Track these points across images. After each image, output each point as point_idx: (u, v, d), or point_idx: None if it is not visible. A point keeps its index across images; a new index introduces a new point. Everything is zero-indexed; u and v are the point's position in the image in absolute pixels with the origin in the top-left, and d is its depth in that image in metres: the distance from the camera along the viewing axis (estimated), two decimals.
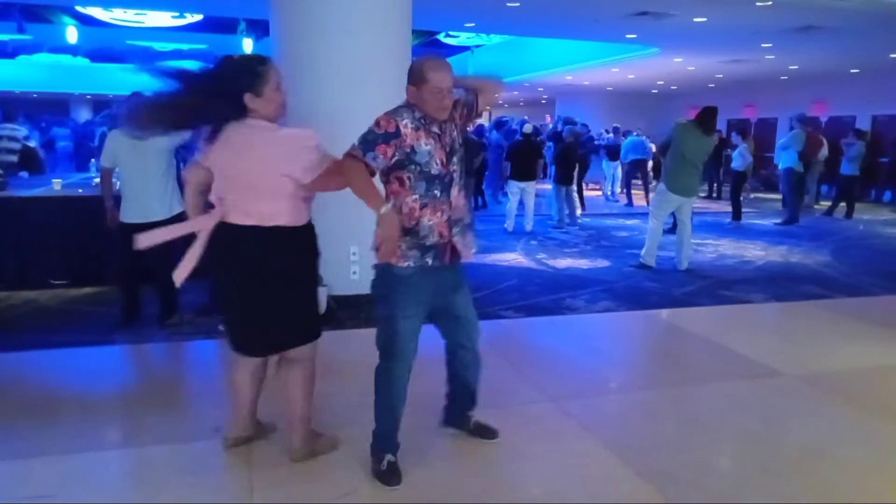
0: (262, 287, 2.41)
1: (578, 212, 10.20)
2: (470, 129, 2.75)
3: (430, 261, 2.48)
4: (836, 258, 7.68)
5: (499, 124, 12.34)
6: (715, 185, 14.32)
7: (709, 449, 3.00)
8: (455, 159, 2.52)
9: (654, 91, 19.79)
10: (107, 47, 21.84)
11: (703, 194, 12.86)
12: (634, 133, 13.40)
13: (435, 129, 2.47)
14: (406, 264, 2.45)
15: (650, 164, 12.74)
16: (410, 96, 2.47)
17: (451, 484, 2.61)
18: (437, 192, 2.45)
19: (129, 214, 4.27)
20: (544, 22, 9.93)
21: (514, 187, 9.06)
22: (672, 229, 7.41)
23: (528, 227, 9.15)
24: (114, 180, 4.51)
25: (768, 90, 17.01)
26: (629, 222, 10.45)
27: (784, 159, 10.55)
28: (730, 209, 10.80)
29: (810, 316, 5.32)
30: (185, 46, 20.60)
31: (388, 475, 2.56)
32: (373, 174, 2.41)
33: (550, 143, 11.34)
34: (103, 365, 3.94)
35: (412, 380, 2.60)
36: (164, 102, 2.32)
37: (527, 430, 3.09)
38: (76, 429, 3.01)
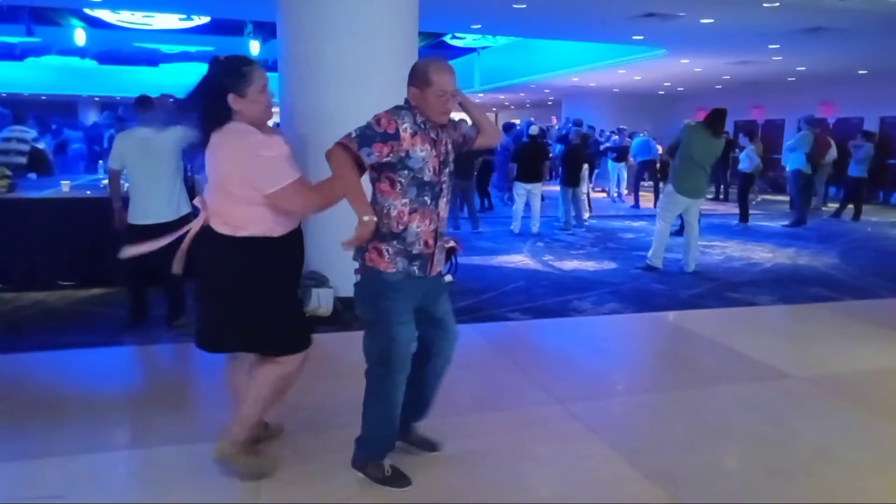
0: (225, 291, 2.38)
1: (586, 214, 10.19)
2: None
3: (415, 270, 2.45)
4: (843, 260, 7.64)
5: (507, 127, 12.37)
6: (722, 186, 14.28)
7: (716, 451, 2.99)
8: (446, 171, 2.50)
9: (660, 92, 19.75)
10: (115, 49, 21.98)
11: (709, 196, 12.82)
12: (641, 134, 13.39)
13: (433, 134, 2.44)
14: (393, 271, 2.41)
15: (657, 164, 12.73)
16: (412, 98, 2.43)
17: (457, 486, 2.61)
18: (427, 200, 2.42)
19: (136, 216, 4.29)
20: (551, 23, 9.93)
21: (520, 189, 9.06)
22: (679, 231, 7.39)
23: (535, 228, 9.15)
24: (122, 182, 4.53)
25: (776, 91, 16.96)
26: (636, 224, 10.43)
27: (792, 161, 10.52)
28: (737, 211, 10.76)
29: (818, 318, 5.29)
30: (192, 48, 20.70)
31: (396, 479, 2.55)
32: (361, 169, 2.38)
33: (560, 146, 11.34)
34: (111, 366, 3.96)
35: None
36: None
37: (533, 431, 3.09)
38: (84, 429, 3.03)
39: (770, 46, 10.89)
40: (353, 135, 2.34)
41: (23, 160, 7.63)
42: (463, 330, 4.69)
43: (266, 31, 13.62)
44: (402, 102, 2.48)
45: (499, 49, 18.19)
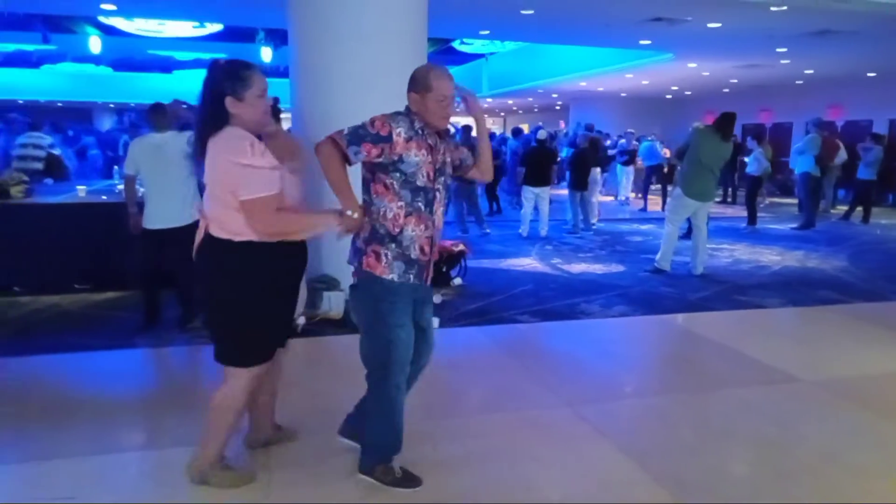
0: (224, 297, 2.39)
1: (594, 218, 10.21)
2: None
3: (412, 277, 2.46)
4: (852, 263, 7.62)
5: (515, 132, 12.44)
6: (730, 189, 14.24)
7: (724, 454, 3.00)
8: (442, 179, 2.52)
9: (668, 96, 19.73)
10: (129, 57, 22.18)
11: (718, 199, 12.80)
12: (648, 138, 13.40)
13: (431, 141, 2.46)
14: (391, 277, 2.42)
15: (665, 168, 12.74)
16: (413, 104, 2.47)
17: (465, 487, 2.63)
18: (421, 205, 2.44)
19: (151, 220, 4.37)
20: (558, 29, 9.97)
21: (528, 193, 9.09)
22: (686, 234, 7.40)
23: (543, 232, 9.18)
24: (137, 187, 4.61)
25: (783, 95, 16.91)
26: (644, 227, 10.44)
27: (800, 164, 10.49)
28: (745, 214, 10.75)
29: (826, 321, 5.29)
30: (205, 56, 20.86)
31: (407, 480, 2.58)
32: (348, 164, 2.39)
33: (570, 149, 11.38)
34: (123, 368, 4.02)
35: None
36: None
37: (542, 434, 3.11)
38: (95, 431, 3.07)
39: (778, 50, 10.88)
40: (345, 132, 2.37)
41: (39, 166, 7.76)
42: (471, 332, 4.80)
43: (278, 37, 13.75)
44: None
45: (507, 54, 18.23)
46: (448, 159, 2.58)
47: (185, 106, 4.48)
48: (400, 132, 2.37)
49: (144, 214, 4.43)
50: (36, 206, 5.67)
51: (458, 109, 2.65)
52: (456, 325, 4.89)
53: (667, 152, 12.52)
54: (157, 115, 4.52)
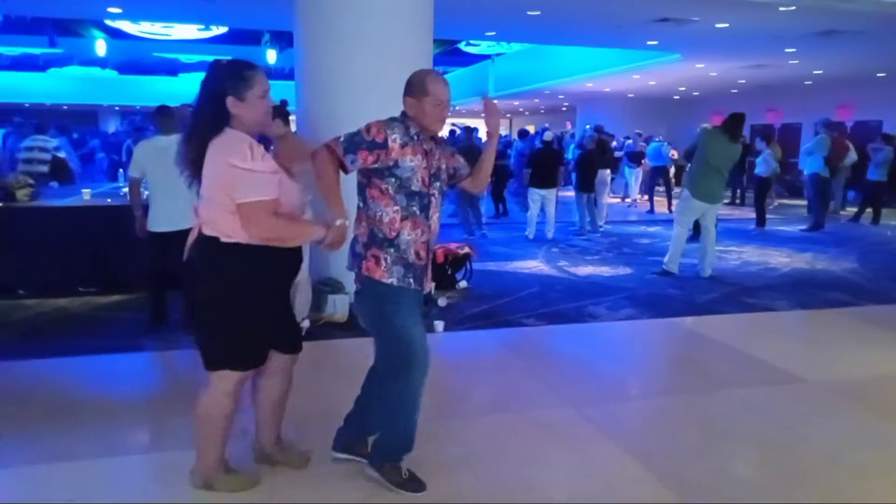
0: (212, 298, 2.35)
1: (601, 221, 10.17)
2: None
3: (412, 282, 2.47)
4: (862, 265, 7.56)
5: (522, 134, 12.42)
6: (738, 191, 14.17)
7: (729, 455, 2.99)
8: (437, 184, 2.53)
9: (675, 97, 19.66)
10: (135, 59, 22.31)
11: (726, 201, 12.73)
12: (656, 139, 13.35)
13: (426, 147, 2.49)
14: (390, 281, 2.43)
15: (672, 170, 12.68)
16: (409, 108, 2.48)
17: (471, 488, 2.63)
18: (417, 210, 2.46)
19: (157, 223, 4.37)
20: (565, 30, 9.94)
21: (534, 195, 9.06)
22: (693, 236, 7.35)
23: (550, 234, 9.15)
24: (142, 190, 4.61)
25: (792, 95, 16.82)
26: (651, 229, 10.39)
27: (809, 165, 10.43)
28: (753, 215, 10.69)
29: (835, 323, 5.25)
30: (210, 58, 20.93)
31: (413, 483, 2.57)
32: (344, 172, 2.41)
33: (577, 150, 11.36)
34: (129, 370, 4.02)
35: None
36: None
37: (548, 435, 3.10)
38: (101, 433, 3.07)
39: (786, 50, 10.82)
40: (341, 139, 2.39)
41: (45, 169, 7.79)
42: (478, 335, 4.78)
43: (283, 40, 13.79)
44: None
45: (513, 55, 18.22)
46: (444, 165, 2.60)
47: (191, 109, 4.47)
48: (395, 138, 2.39)
49: (149, 217, 4.43)
50: (41, 209, 5.68)
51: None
52: (461, 328, 4.86)
53: (675, 154, 12.46)
54: (163, 118, 4.52)
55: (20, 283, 5.51)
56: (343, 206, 2.39)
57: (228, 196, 2.21)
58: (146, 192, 4.60)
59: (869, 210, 11.32)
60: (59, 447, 2.92)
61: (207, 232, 2.30)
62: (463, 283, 6.09)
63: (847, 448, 3.05)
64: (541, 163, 8.99)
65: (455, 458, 2.84)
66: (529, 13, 8.47)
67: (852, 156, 11.64)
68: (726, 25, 8.94)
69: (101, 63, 22.23)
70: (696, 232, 7.08)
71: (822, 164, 10.18)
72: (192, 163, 2.29)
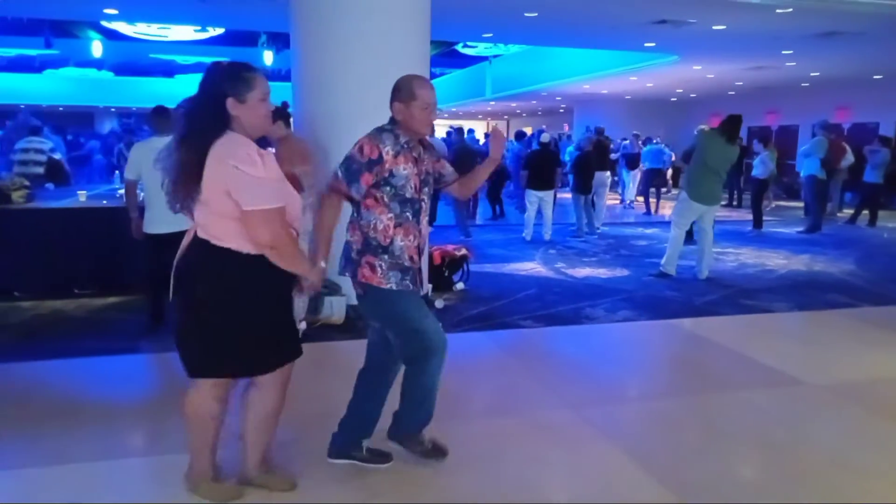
0: (199, 304, 2.29)
1: (599, 222, 10.17)
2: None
3: (409, 284, 2.55)
4: (860, 266, 7.56)
5: (519, 135, 12.41)
6: (736, 193, 14.19)
7: (729, 457, 2.98)
8: (426, 190, 2.62)
9: (673, 99, 19.69)
10: (131, 61, 22.28)
11: (723, 202, 12.74)
12: (654, 141, 13.35)
13: (415, 154, 2.56)
14: (389, 286, 2.50)
15: (669, 172, 12.68)
16: (397, 113, 2.54)
17: (471, 490, 2.61)
18: (409, 216, 2.54)
19: (153, 225, 4.34)
20: (562, 31, 9.94)
21: (532, 197, 9.06)
22: (688, 238, 7.34)
23: (547, 236, 9.14)
24: (138, 192, 4.59)
25: (790, 97, 16.85)
26: (648, 231, 10.39)
27: (806, 167, 10.43)
28: (751, 217, 10.70)
29: (833, 325, 5.25)
30: (207, 59, 20.90)
31: (436, 452, 2.75)
32: (352, 201, 2.53)
33: (576, 152, 11.37)
34: (128, 373, 4.00)
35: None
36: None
37: (547, 437, 3.09)
38: (100, 435, 3.06)
39: (784, 52, 10.83)
40: (340, 175, 2.49)
41: (40, 171, 7.76)
42: (475, 337, 4.77)
43: (280, 41, 13.77)
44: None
45: (510, 57, 18.21)
46: (430, 169, 2.68)
47: (182, 110, 4.43)
48: (388, 150, 2.47)
49: (145, 219, 4.41)
50: (37, 210, 5.66)
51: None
52: (459, 330, 4.85)
53: (673, 156, 12.48)
54: (159, 118, 4.49)
55: (16, 285, 5.48)
56: (329, 253, 2.50)
57: (226, 200, 2.16)
58: (142, 194, 4.58)
59: (866, 212, 11.34)
60: (57, 449, 2.90)
61: (201, 235, 2.27)
62: (460, 285, 6.08)
63: (847, 449, 3.05)
64: (538, 165, 8.98)
65: (454, 459, 2.83)
66: (527, 15, 8.46)
67: (849, 158, 11.66)
68: (724, 27, 8.95)
69: (98, 64, 22.18)
70: (689, 236, 7.07)
71: (819, 166, 10.19)
72: (185, 165, 2.18)
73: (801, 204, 12.27)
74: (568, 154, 12.57)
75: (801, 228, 10.47)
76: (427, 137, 2.72)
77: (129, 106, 23.88)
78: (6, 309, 5.15)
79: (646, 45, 10.77)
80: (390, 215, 2.50)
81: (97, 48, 15.95)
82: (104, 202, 6.04)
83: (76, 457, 2.84)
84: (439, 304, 5.40)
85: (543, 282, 6.57)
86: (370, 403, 2.72)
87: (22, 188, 5.76)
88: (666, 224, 8.51)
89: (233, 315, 2.27)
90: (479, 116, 30.99)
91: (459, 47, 16.90)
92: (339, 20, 4.89)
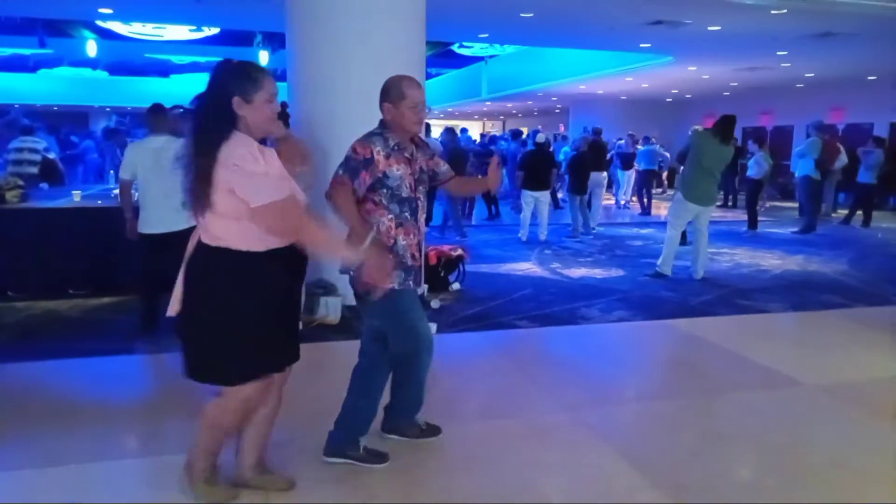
0: (194, 307, 2.29)
1: (594, 223, 10.18)
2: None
3: (410, 283, 2.65)
4: (854, 267, 7.59)
5: (515, 134, 12.42)
6: (730, 193, 14.22)
7: (726, 458, 2.98)
8: (421, 188, 2.71)
9: (668, 99, 19.74)
10: (126, 60, 22.21)
11: (718, 203, 12.78)
12: (651, 141, 13.37)
13: (407, 154, 2.64)
14: (392, 285, 2.56)
15: (664, 173, 12.71)
16: (387, 113, 2.63)
17: (466, 493, 2.61)
18: (408, 215, 2.64)
19: (148, 225, 4.33)
20: (558, 32, 9.96)
21: (527, 197, 9.06)
22: (682, 239, 7.35)
23: (542, 236, 9.14)
24: (132, 191, 4.57)
25: (784, 98, 16.91)
26: (644, 231, 10.41)
27: (801, 167, 10.46)
28: (745, 218, 10.72)
29: (829, 325, 5.26)
30: (202, 59, 20.88)
31: (431, 432, 2.95)
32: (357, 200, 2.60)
33: (572, 152, 11.38)
34: (123, 373, 3.98)
35: None
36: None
37: (542, 439, 3.09)
38: (96, 437, 3.04)
39: (778, 53, 10.87)
40: (341, 171, 2.57)
41: (35, 170, 7.71)
42: (471, 337, 4.77)
43: (275, 41, 13.74)
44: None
45: (506, 57, 18.23)
46: (425, 167, 2.75)
47: (181, 110, 4.41)
48: (378, 150, 2.56)
49: (140, 219, 4.39)
50: (31, 210, 5.64)
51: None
52: (454, 331, 4.85)
53: (667, 156, 12.51)
54: (155, 117, 4.47)
55: (10, 285, 5.46)
56: (367, 225, 2.57)
57: (229, 199, 2.14)
58: (136, 194, 4.57)
59: (860, 212, 11.39)
60: (52, 451, 2.89)
61: (205, 238, 2.27)
62: (456, 285, 6.08)
63: (845, 450, 3.05)
64: (533, 165, 8.98)
65: (450, 461, 2.83)
66: (522, 15, 8.48)
67: (843, 158, 11.70)
68: (718, 28, 8.98)
69: (92, 64, 22.11)
70: (683, 237, 7.08)
71: (814, 166, 10.21)
72: (195, 166, 2.16)
73: (796, 204, 12.31)
74: (563, 154, 12.59)
75: (795, 229, 10.51)
76: (421, 136, 2.80)
77: (125, 105, 23.78)
78: (0, 310, 5.12)
79: (641, 45, 10.80)
80: (391, 216, 2.59)
81: (92, 48, 15.89)
82: (99, 202, 6.02)
83: (71, 458, 2.83)
84: (435, 304, 5.40)
85: (539, 282, 6.58)
86: (365, 400, 2.76)
87: (16, 188, 5.74)
88: (661, 224, 8.53)
89: (243, 314, 2.25)
90: (475, 117, 31.00)
91: (455, 47, 16.92)
92: (335, 20, 4.89)
